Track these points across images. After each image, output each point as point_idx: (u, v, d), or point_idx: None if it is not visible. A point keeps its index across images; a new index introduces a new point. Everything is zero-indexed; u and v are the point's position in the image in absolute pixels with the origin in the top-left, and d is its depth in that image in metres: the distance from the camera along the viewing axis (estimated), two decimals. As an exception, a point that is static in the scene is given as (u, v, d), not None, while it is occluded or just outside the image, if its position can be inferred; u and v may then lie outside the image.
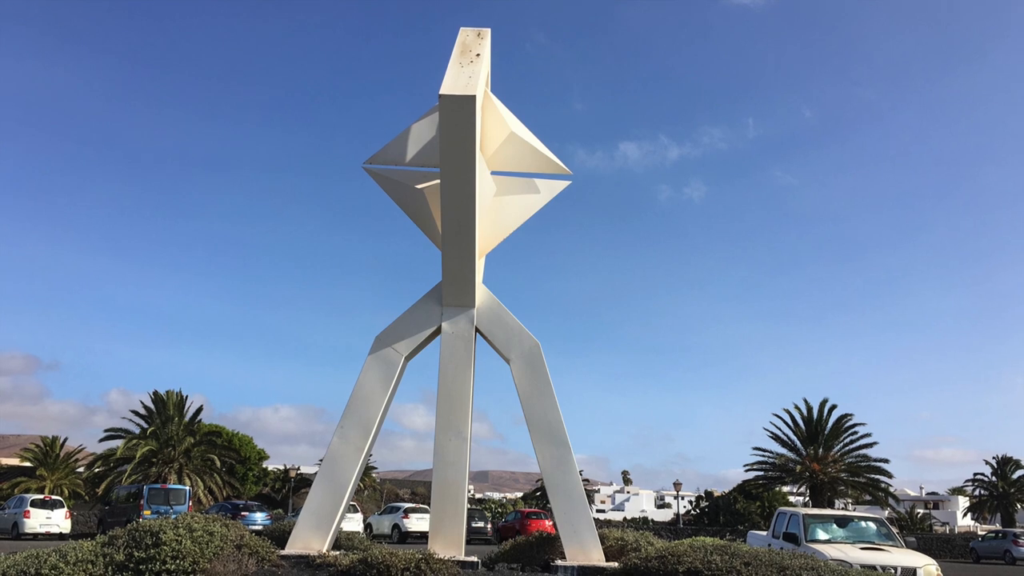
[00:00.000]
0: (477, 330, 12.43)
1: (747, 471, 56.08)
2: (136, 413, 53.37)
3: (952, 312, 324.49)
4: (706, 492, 76.47)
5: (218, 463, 54.43)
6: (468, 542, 12.60)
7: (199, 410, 55.35)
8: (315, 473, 13.40)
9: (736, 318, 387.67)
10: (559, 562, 11.56)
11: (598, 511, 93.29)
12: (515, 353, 12.32)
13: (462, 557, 11.11)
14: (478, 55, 11.50)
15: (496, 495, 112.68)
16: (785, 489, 59.77)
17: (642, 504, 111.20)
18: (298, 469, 65.42)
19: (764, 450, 54.37)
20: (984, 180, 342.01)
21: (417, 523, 36.55)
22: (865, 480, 52.17)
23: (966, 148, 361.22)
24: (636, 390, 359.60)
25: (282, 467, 71.55)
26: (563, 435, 11.97)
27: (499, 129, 12.61)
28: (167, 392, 53.84)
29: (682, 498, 69.48)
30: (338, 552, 11.00)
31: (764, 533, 19.25)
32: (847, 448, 52.29)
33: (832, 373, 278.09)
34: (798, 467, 51.92)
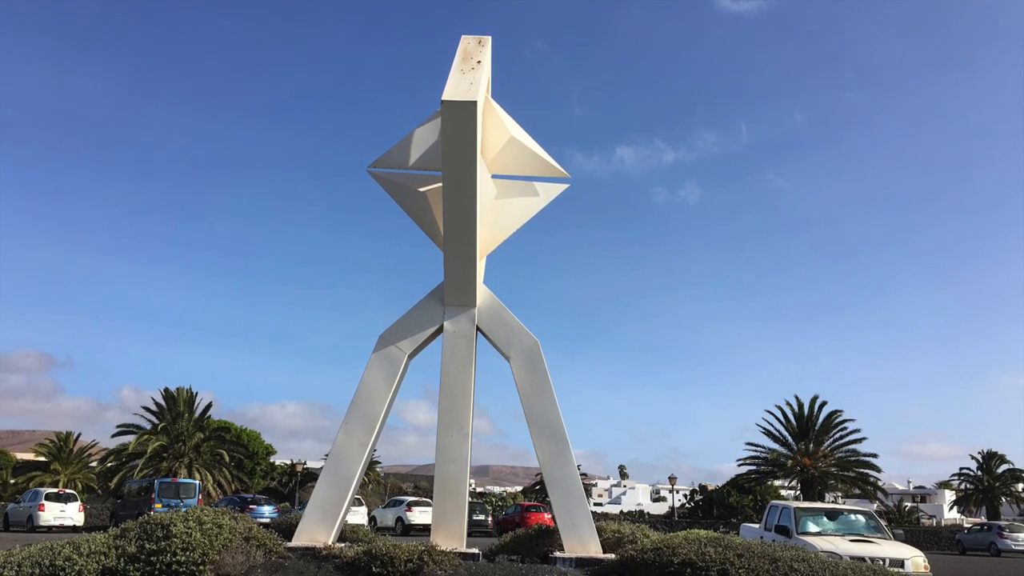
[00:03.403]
0: (478, 329, 12.59)
1: (740, 466, 56.71)
2: (147, 409, 53.82)
3: (940, 312, 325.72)
4: (700, 486, 76.60)
5: (227, 458, 54.83)
6: (469, 535, 12.76)
7: (208, 406, 55.90)
8: (321, 468, 13.62)
9: (730, 317, 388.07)
10: (558, 554, 11.73)
11: (595, 504, 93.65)
12: (515, 351, 12.48)
13: (463, 549, 11.28)
14: (479, 62, 11.70)
15: (496, 489, 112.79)
16: (777, 483, 60.27)
17: (638, 498, 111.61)
18: (304, 464, 65.67)
19: (757, 445, 54.90)
20: (972, 183, 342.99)
21: (420, 516, 36.91)
22: (854, 474, 52.69)
23: (955, 152, 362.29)
24: (633, 387, 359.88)
25: (289, 462, 71.76)
26: (562, 431, 12.12)
27: (499, 134, 12.76)
28: (177, 389, 54.25)
29: (677, 492, 69.83)
30: (343, 544, 11.12)
31: (756, 526, 19.55)
32: (837, 443, 52.80)
33: (824, 371, 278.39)
34: (789, 462, 52.38)
